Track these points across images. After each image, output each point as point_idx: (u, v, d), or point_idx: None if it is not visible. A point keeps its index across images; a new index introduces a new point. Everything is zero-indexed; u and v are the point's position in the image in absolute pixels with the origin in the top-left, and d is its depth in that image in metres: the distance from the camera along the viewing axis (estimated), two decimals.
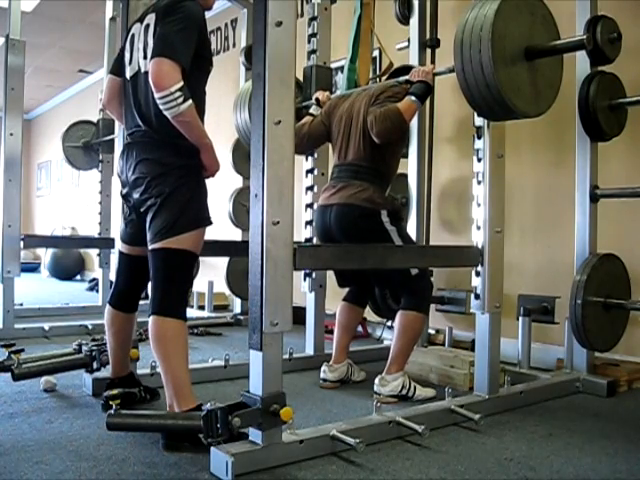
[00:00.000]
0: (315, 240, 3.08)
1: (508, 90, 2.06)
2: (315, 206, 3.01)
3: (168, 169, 2.07)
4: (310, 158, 3.22)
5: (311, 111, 2.99)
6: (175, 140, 2.06)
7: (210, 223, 2.15)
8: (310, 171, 3.22)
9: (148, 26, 2.10)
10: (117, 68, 2.32)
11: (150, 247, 2.09)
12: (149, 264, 2.10)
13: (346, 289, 3.02)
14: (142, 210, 2.13)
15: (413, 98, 2.52)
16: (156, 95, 1.95)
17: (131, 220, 2.25)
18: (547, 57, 2.21)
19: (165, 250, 2.05)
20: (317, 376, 2.91)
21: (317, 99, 3.00)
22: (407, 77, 2.64)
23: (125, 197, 2.25)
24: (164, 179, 2.06)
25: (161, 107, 1.96)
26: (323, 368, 2.89)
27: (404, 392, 2.61)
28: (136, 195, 2.14)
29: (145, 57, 2.09)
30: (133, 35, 2.20)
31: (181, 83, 1.94)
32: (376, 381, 2.66)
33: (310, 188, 3.20)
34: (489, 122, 2.41)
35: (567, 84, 3.03)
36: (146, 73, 2.06)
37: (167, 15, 2.04)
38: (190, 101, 1.96)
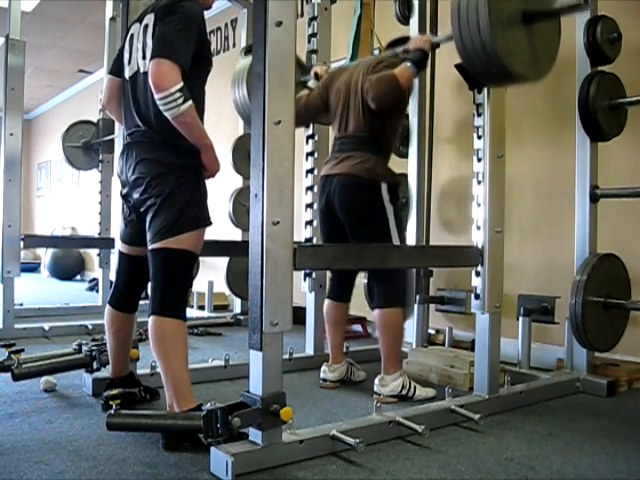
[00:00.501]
0: (317, 213, 3.02)
1: (506, 52, 2.05)
2: (315, 206, 3.01)
3: (168, 169, 2.07)
4: (310, 158, 3.22)
5: (309, 84, 2.97)
6: (175, 140, 2.06)
7: (210, 223, 2.15)
8: (310, 171, 3.22)
9: (147, 26, 2.10)
10: (116, 68, 2.31)
11: (150, 247, 2.09)
12: (149, 264, 2.10)
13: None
14: (142, 210, 2.13)
15: (409, 64, 2.51)
16: (156, 96, 1.95)
17: (131, 220, 2.25)
18: (545, 21, 2.19)
19: (165, 250, 2.05)
20: (317, 376, 2.91)
21: (315, 73, 2.99)
22: (405, 47, 2.62)
23: (125, 197, 2.24)
24: (164, 179, 2.06)
25: (161, 108, 1.96)
26: (323, 368, 2.89)
27: (404, 392, 2.61)
28: (136, 195, 2.13)
29: (144, 57, 2.09)
30: (132, 35, 2.20)
31: (181, 84, 1.93)
32: (376, 381, 2.66)
33: (310, 188, 3.19)
34: (489, 121, 2.40)
35: (567, 84, 3.05)
36: (145, 73, 2.06)
37: (166, 15, 2.04)
38: (190, 102, 1.96)
